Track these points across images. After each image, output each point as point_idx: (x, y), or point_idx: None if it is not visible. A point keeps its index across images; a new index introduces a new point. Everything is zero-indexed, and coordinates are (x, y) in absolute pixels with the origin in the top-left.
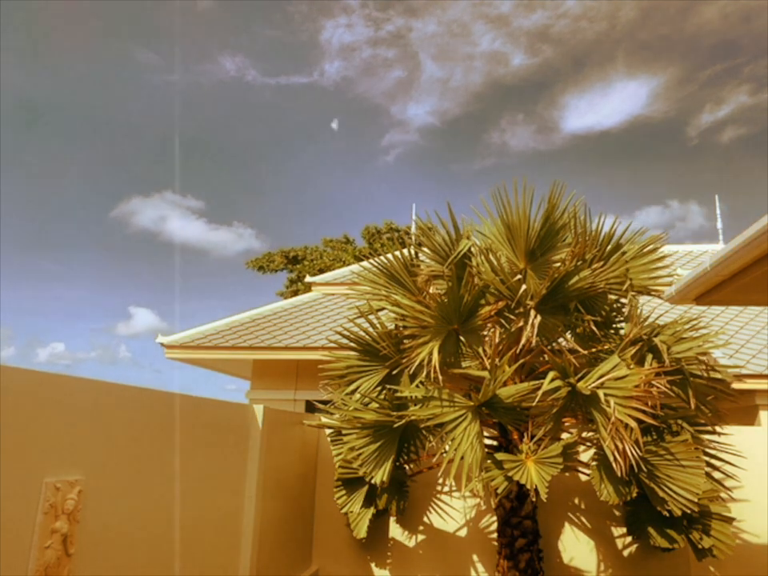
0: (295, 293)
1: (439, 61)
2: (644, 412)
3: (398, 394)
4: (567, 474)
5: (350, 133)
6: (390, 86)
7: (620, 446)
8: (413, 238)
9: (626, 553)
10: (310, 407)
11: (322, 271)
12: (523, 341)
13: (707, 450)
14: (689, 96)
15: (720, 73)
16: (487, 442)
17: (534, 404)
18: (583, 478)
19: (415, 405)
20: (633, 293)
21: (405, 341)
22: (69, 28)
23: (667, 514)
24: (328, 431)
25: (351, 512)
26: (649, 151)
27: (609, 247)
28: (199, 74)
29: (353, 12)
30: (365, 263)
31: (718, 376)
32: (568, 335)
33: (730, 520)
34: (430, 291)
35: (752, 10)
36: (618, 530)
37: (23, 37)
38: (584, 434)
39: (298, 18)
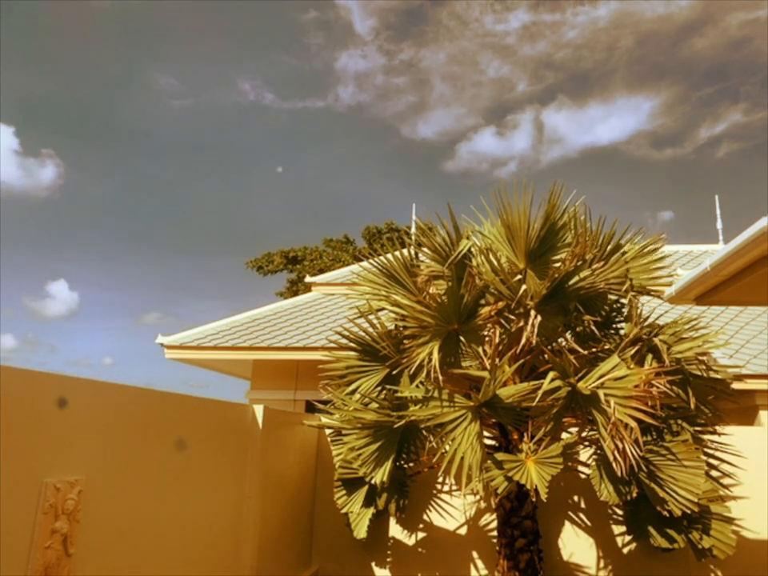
0: (295, 293)
1: (448, 86)
2: (644, 412)
3: (398, 394)
4: (567, 473)
5: (354, 137)
6: (401, 109)
7: (620, 446)
8: (413, 238)
9: (625, 551)
10: (310, 407)
11: (322, 271)
12: (523, 341)
13: (707, 449)
14: (685, 115)
15: (713, 94)
16: (487, 442)
17: (534, 404)
18: (583, 477)
19: (415, 405)
20: (633, 293)
21: (405, 341)
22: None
23: (667, 514)
24: (328, 431)
25: (351, 512)
26: (648, 164)
27: (609, 247)
28: (216, 97)
29: (365, 45)
30: (365, 263)
31: (718, 376)
32: (568, 335)
33: (729, 520)
34: (430, 291)
35: (741, 39)
36: (618, 530)
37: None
38: (584, 434)
39: (314, 49)
